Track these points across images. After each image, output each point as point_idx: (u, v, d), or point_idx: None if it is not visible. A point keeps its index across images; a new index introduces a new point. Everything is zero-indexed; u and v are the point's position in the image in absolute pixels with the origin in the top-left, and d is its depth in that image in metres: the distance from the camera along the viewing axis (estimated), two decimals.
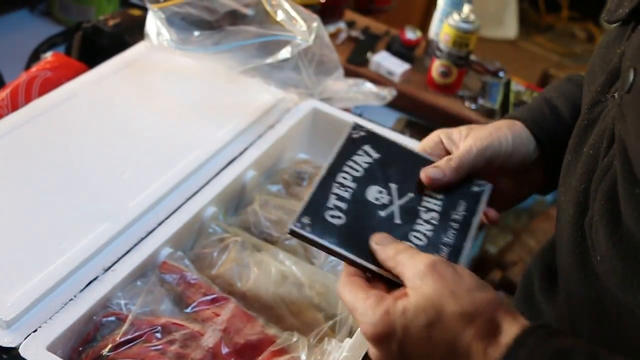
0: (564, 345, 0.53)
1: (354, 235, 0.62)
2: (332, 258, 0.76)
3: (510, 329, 0.54)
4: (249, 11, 1.12)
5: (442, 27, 1.51)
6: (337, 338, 0.79)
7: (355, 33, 1.71)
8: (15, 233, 0.80)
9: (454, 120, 1.43)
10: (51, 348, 0.69)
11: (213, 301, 0.79)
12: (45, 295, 0.74)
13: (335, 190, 0.65)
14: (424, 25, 2.24)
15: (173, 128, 1.00)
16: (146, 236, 0.83)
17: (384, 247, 0.61)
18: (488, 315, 0.55)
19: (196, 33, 1.05)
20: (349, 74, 1.40)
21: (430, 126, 1.29)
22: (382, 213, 0.65)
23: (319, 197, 0.63)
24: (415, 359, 0.56)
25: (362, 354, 0.72)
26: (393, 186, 0.67)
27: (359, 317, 0.58)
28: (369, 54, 1.62)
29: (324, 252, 0.62)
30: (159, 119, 1.00)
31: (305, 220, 0.61)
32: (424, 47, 1.68)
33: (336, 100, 1.13)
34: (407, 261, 0.58)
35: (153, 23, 1.05)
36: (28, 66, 1.24)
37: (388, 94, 1.14)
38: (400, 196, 0.67)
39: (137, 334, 0.74)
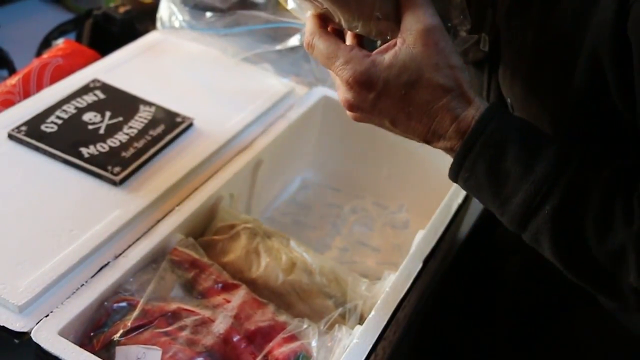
0: (527, 122, 0.61)
1: None
2: None
3: (482, 103, 0.61)
4: None
5: None
6: (348, 325, 0.79)
7: None
8: (28, 219, 0.80)
9: None
10: (63, 333, 0.70)
11: (224, 288, 0.79)
12: (57, 281, 0.74)
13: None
14: None
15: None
16: (157, 223, 0.84)
17: None
18: (462, 91, 0.60)
19: (208, 14, 1.05)
20: None
21: None
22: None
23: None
24: (383, 112, 0.61)
25: (373, 342, 0.72)
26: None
27: (340, 64, 0.61)
28: (378, 42, 1.61)
29: None
30: (171, 108, 1.00)
31: None
32: None
33: None
34: (413, 10, 0.60)
35: (166, 6, 1.06)
36: (39, 53, 1.25)
37: None
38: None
39: (148, 319, 0.74)
